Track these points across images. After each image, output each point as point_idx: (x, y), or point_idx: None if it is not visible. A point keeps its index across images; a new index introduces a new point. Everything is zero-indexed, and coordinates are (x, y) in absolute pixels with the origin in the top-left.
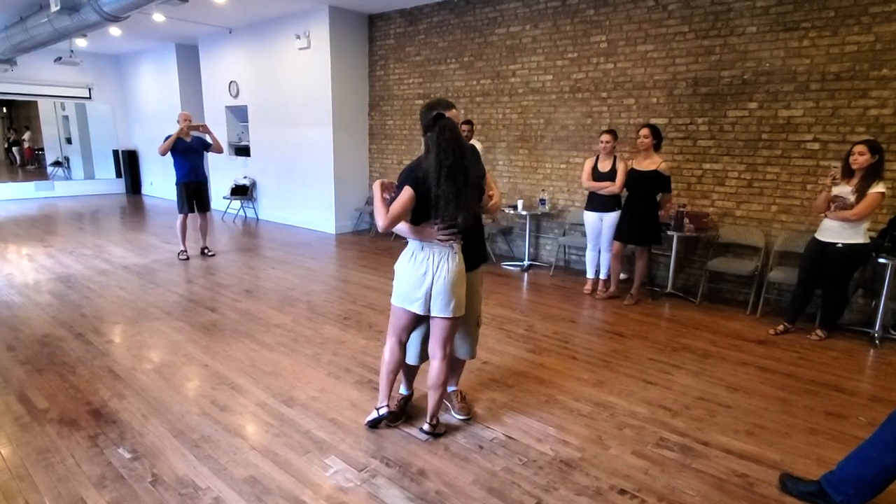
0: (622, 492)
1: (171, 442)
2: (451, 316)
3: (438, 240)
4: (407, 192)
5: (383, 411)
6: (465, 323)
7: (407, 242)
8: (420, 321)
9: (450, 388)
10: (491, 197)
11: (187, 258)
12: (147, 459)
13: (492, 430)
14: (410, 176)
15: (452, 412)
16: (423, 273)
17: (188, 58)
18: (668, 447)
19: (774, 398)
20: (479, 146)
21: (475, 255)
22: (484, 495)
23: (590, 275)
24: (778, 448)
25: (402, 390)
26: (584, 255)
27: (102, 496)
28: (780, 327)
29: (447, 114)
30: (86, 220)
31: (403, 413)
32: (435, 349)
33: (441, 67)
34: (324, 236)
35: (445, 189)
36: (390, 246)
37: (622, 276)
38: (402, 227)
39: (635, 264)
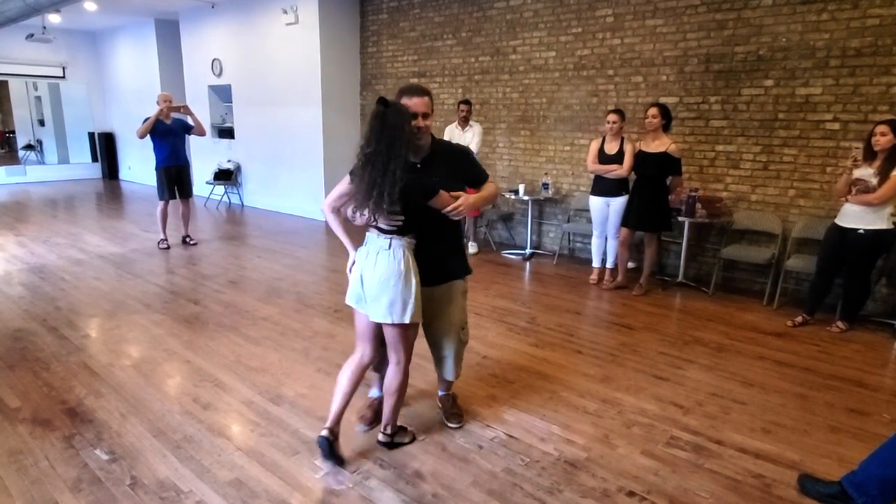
0: (631, 494)
1: (151, 443)
2: (387, 321)
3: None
4: (345, 179)
5: (323, 433)
6: (444, 338)
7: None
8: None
9: (441, 392)
10: (455, 198)
11: (168, 247)
12: (126, 461)
13: (492, 429)
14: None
15: (445, 420)
16: (358, 266)
17: (168, 34)
18: (679, 446)
19: (793, 394)
20: (478, 128)
21: (441, 265)
22: (484, 498)
23: (596, 263)
24: (796, 447)
25: (374, 393)
26: (590, 243)
27: (78, 500)
28: (799, 319)
29: (408, 102)
30: (60, 207)
31: (375, 420)
32: (390, 354)
33: (437, 44)
34: (313, 224)
35: (362, 177)
36: None
37: (630, 264)
38: (347, 211)
39: (644, 252)
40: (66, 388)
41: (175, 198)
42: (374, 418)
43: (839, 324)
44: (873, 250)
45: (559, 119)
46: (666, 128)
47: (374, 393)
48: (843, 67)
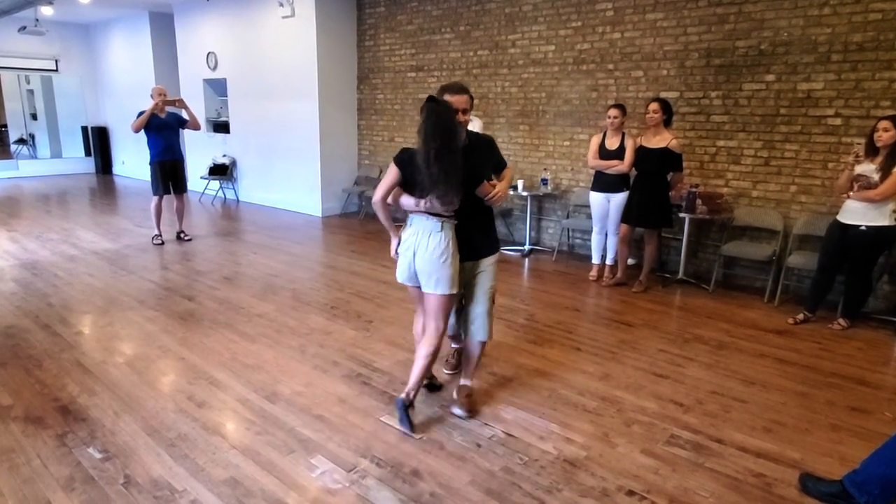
0: (630, 493)
1: (144, 441)
2: (436, 293)
3: (421, 210)
4: (392, 170)
5: (403, 396)
6: (477, 301)
7: None
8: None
9: (463, 381)
10: (493, 186)
11: (162, 243)
12: (119, 460)
13: (490, 428)
14: (401, 154)
15: (455, 406)
16: (407, 247)
17: (163, 27)
18: (679, 445)
19: (794, 392)
20: (478, 123)
21: (477, 244)
22: (482, 497)
23: (595, 260)
24: (797, 446)
25: (452, 344)
26: (590, 239)
27: (71, 499)
28: (800, 316)
29: (450, 98)
30: (52, 202)
31: (459, 365)
32: (428, 321)
33: (435, 37)
34: (309, 219)
35: (430, 170)
36: (380, 230)
37: (630, 261)
38: (403, 201)
39: (644, 249)
40: (59, 385)
41: (169, 193)
42: (456, 364)
43: (841, 321)
44: (875, 247)
45: (558, 114)
46: (667, 123)
47: (454, 344)
48: (845, 62)
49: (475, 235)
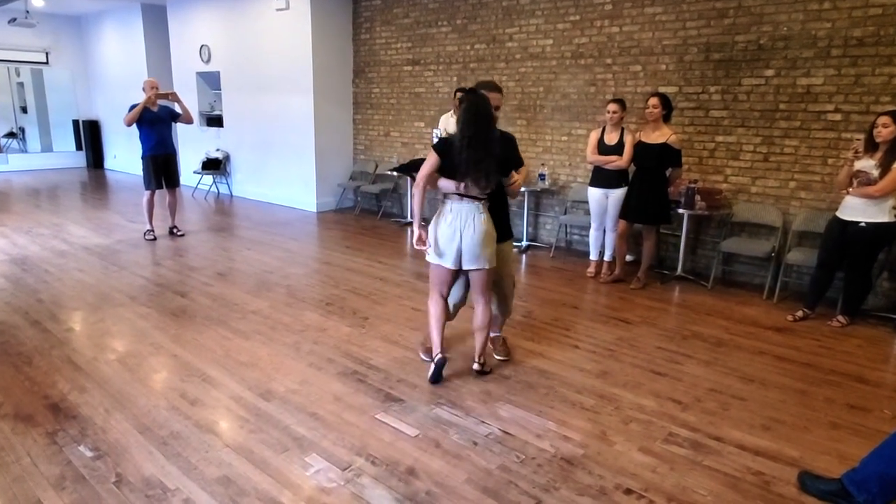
0: (628, 491)
1: (136, 439)
2: (484, 268)
3: (461, 194)
4: (431, 155)
5: (438, 358)
6: (503, 283)
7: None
8: (457, 275)
9: (494, 334)
10: (513, 178)
11: (154, 238)
12: (110, 458)
13: (487, 425)
14: (440, 142)
15: (494, 353)
16: (453, 232)
17: (155, 19)
18: (677, 443)
19: (793, 390)
20: None
21: (502, 226)
22: (478, 496)
23: (593, 256)
24: (796, 444)
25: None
26: (588, 235)
27: (61, 498)
28: (799, 313)
29: (488, 95)
30: (43, 197)
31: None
32: (476, 297)
33: (432, 31)
34: (304, 215)
35: (467, 156)
36: (376, 225)
37: (628, 257)
38: (441, 183)
39: (642, 245)
40: (49, 382)
41: (162, 187)
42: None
43: (840, 318)
44: (875, 243)
45: (556, 108)
46: (666, 118)
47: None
48: (844, 57)
49: (502, 218)
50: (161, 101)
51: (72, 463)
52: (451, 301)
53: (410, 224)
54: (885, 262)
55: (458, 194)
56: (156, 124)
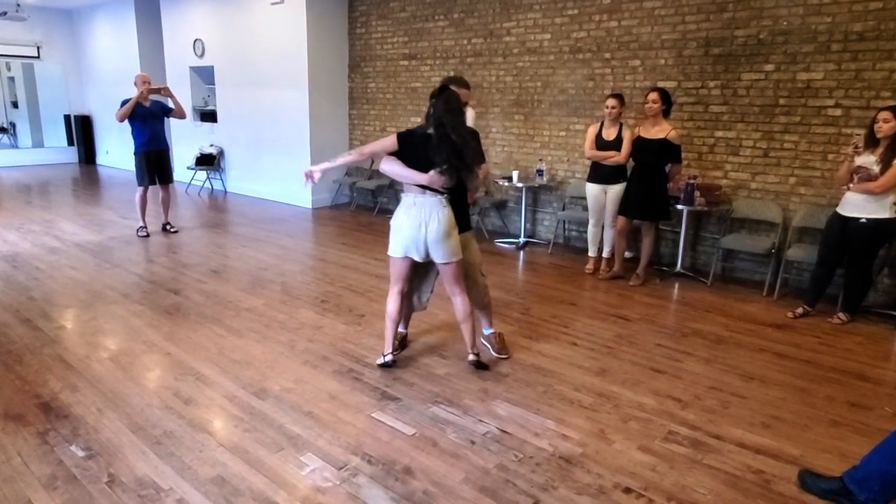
0: (627, 490)
1: (129, 438)
2: (451, 261)
3: (424, 187)
4: (391, 137)
5: (388, 359)
6: (470, 274)
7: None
8: (417, 270)
9: (487, 331)
10: (484, 171)
11: (147, 235)
12: (103, 458)
13: (484, 424)
14: (404, 133)
15: (492, 351)
16: (417, 224)
17: (148, 13)
18: (677, 441)
19: (793, 387)
20: (470, 112)
21: (462, 218)
22: (476, 495)
23: (592, 253)
24: (797, 442)
25: (399, 328)
26: (586, 232)
27: (53, 498)
28: (800, 310)
29: (456, 90)
30: (34, 193)
31: (403, 347)
32: (451, 289)
33: (428, 25)
34: (299, 211)
35: (449, 147)
36: (372, 222)
37: (627, 254)
38: (397, 169)
39: (641, 241)
40: (40, 381)
41: (155, 183)
42: (400, 347)
43: (840, 315)
44: (875, 240)
45: (554, 103)
46: (666, 113)
47: (401, 328)
48: (845, 52)
49: (461, 210)
50: (153, 97)
51: (63, 463)
52: (422, 295)
53: None
54: (886, 259)
55: (421, 187)
56: (148, 120)
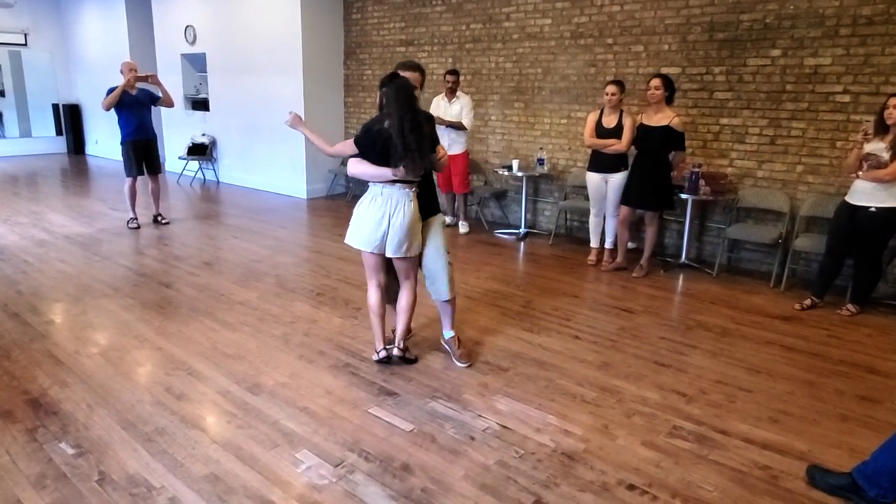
0: (631, 487)
1: (120, 435)
2: (408, 256)
3: (394, 180)
4: (349, 143)
5: (382, 354)
6: (435, 261)
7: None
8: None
9: (447, 335)
10: (440, 153)
11: (138, 227)
12: (93, 455)
13: (484, 420)
14: (361, 133)
15: (454, 359)
16: (381, 216)
17: None
18: (682, 437)
19: (801, 381)
20: (466, 100)
21: (427, 205)
22: (476, 492)
23: (594, 244)
24: (805, 437)
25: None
26: (588, 222)
27: (42, 497)
28: (807, 302)
29: (406, 75)
30: (22, 184)
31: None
32: (401, 280)
33: (426, 10)
34: (294, 201)
35: (403, 141)
36: None
37: (630, 244)
38: (364, 169)
39: (645, 232)
40: (29, 377)
41: (143, 174)
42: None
43: (849, 307)
44: (885, 229)
45: (555, 90)
46: (669, 100)
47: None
48: (853, 37)
49: (428, 197)
50: (140, 84)
51: (53, 461)
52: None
53: None
54: None
55: (391, 180)
56: (135, 108)
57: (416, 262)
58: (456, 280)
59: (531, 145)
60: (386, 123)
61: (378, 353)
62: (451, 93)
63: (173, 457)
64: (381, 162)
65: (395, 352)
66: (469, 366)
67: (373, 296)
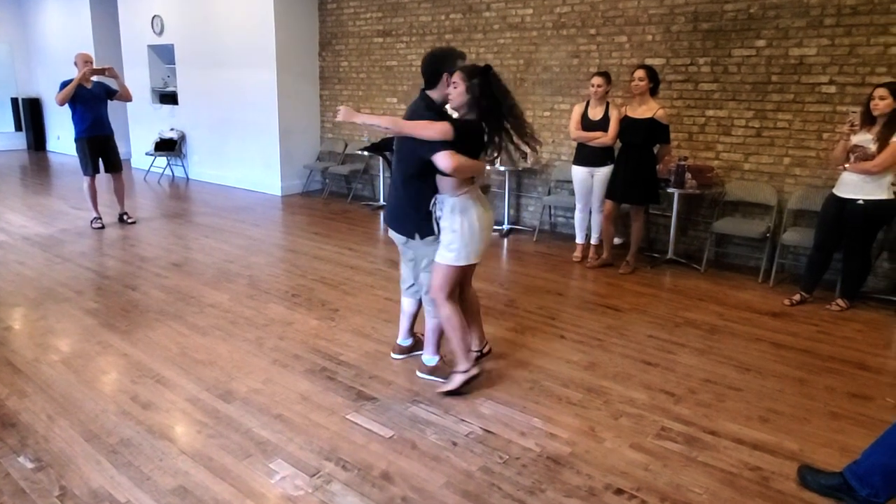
0: (619, 491)
1: (82, 448)
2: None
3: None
4: (444, 124)
5: (474, 372)
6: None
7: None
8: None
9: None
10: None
11: (102, 226)
12: (54, 469)
13: (467, 424)
14: (457, 121)
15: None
16: (487, 223)
17: None
18: (670, 438)
19: (791, 378)
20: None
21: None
22: (458, 500)
23: (579, 240)
24: (796, 436)
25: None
26: (573, 217)
27: None
28: (797, 297)
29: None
30: None
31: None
32: (466, 286)
33: None
34: (267, 198)
35: (515, 121)
36: (346, 209)
37: (616, 240)
38: (466, 162)
39: (631, 227)
40: None
41: (99, 172)
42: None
43: (839, 301)
44: (873, 222)
45: (537, 82)
46: (653, 92)
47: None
48: (838, 27)
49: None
50: (96, 77)
51: (10, 475)
52: (409, 287)
53: (383, 207)
54: (885, 242)
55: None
56: (90, 103)
57: None
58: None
59: None
60: (475, 115)
61: (467, 373)
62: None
63: (139, 469)
64: (472, 156)
65: (486, 349)
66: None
67: (457, 312)
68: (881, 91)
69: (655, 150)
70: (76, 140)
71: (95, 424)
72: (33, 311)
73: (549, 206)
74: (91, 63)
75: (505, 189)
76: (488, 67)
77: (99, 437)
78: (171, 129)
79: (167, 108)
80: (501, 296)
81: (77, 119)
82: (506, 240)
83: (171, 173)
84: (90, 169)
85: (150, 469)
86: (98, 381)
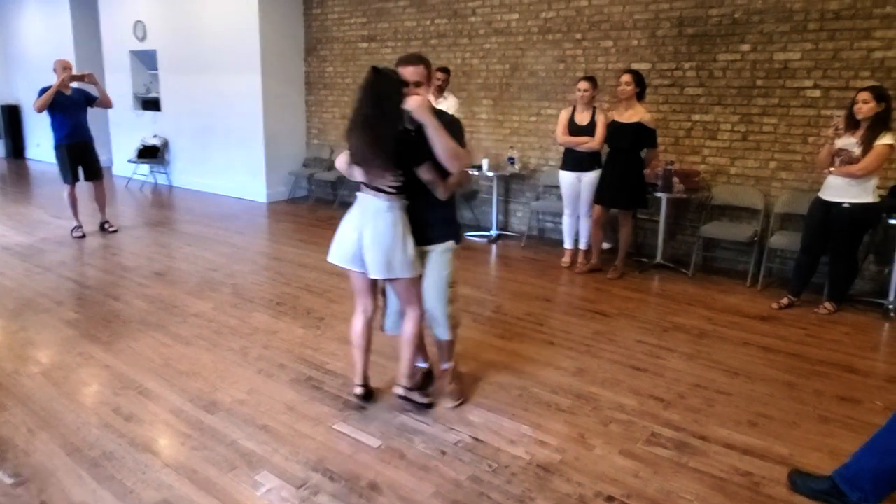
0: (609, 499)
1: (63, 462)
2: (401, 276)
3: (368, 185)
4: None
5: (358, 391)
6: (431, 296)
7: None
8: (376, 283)
9: (443, 365)
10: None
11: (83, 235)
12: (34, 484)
13: (456, 432)
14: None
15: (450, 397)
16: (353, 229)
17: None
18: (660, 444)
19: (780, 382)
20: (453, 100)
21: (428, 229)
22: None
23: (567, 245)
24: (786, 440)
25: (419, 363)
26: (561, 223)
27: None
28: (784, 301)
29: (402, 70)
30: None
31: (429, 383)
32: (404, 307)
33: (388, 5)
34: (252, 206)
35: (356, 140)
36: (332, 216)
37: (605, 245)
38: (339, 163)
39: (619, 232)
40: None
41: (79, 180)
42: (422, 385)
43: (827, 305)
44: (859, 225)
45: (524, 87)
46: (640, 96)
47: (419, 363)
48: (822, 31)
49: (430, 220)
50: (75, 84)
51: None
52: (391, 313)
53: None
54: (871, 245)
55: (366, 185)
56: (70, 110)
57: (418, 285)
58: (460, 316)
59: (501, 144)
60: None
61: (355, 388)
62: (440, 91)
63: (122, 483)
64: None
65: (399, 390)
66: (459, 405)
67: (355, 324)
68: (864, 95)
69: (643, 155)
70: (55, 147)
71: (77, 437)
72: (12, 323)
73: (538, 212)
74: (70, 69)
75: (493, 194)
76: (373, 68)
77: (80, 450)
78: (154, 136)
79: (150, 114)
80: (489, 302)
81: (56, 126)
82: (494, 246)
83: (153, 181)
84: (70, 177)
85: (132, 482)
86: (79, 393)
